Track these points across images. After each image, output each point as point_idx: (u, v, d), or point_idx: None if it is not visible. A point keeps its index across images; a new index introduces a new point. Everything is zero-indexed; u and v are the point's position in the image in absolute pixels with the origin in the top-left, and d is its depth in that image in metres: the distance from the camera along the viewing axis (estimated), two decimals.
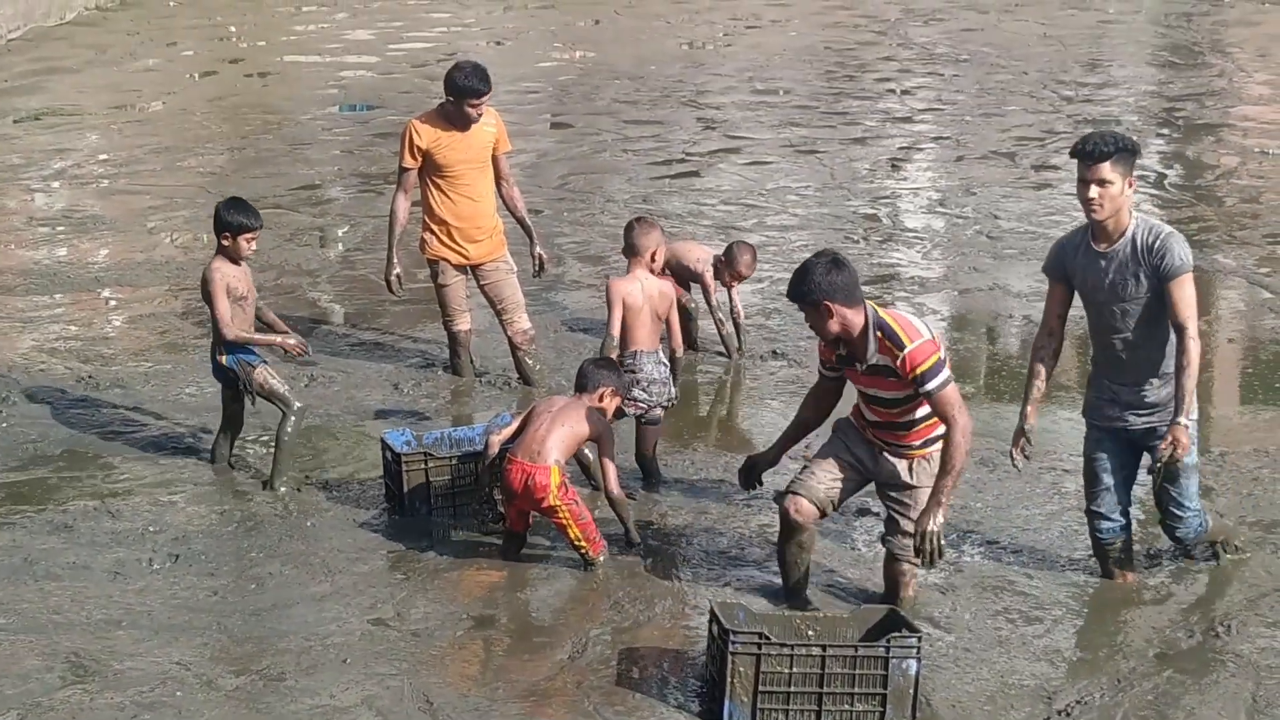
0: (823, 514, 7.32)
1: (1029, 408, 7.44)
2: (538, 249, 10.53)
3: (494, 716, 6.53)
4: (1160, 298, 7.10)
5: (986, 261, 13.38)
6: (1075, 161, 7.19)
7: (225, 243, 8.70)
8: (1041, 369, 7.48)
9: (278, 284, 12.71)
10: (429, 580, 7.76)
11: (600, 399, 7.95)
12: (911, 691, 6.45)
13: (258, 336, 8.82)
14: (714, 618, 6.57)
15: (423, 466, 8.38)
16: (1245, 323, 11.96)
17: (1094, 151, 7.04)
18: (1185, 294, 7.07)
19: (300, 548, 8.08)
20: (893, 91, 21.66)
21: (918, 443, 7.26)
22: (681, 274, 10.46)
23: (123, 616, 7.34)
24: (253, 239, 8.78)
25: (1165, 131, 19.23)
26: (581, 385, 8.00)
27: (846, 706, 6.44)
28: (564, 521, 7.72)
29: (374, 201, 14.97)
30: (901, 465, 7.30)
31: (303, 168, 17.05)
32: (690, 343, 10.47)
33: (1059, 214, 14.87)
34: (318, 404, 10.00)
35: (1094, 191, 7.07)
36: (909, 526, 7.19)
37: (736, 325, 10.84)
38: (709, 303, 10.59)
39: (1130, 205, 7.19)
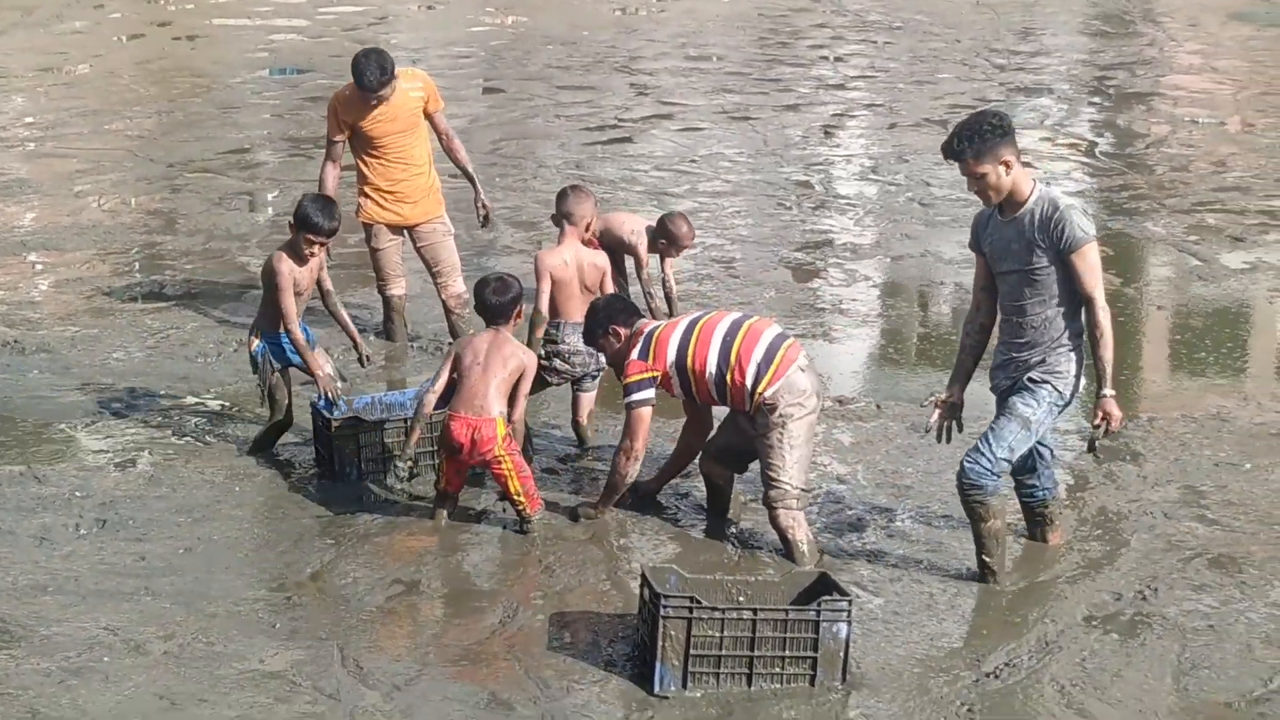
0: (732, 469, 8.03)
1: (956, 384, 7.48)
2: (482, 198, 10.53)
3: (424, 681, 6.51)
4: (1059, 270, 7.04)
5: (919, 229, 13.42)
6: None
7: (293, 235, 8.51)
8: (968, 342, 7.50)
9: (206, 248, 12.62)
10: (359, 545, 7.72)
11: (514, 321, 7.94)
12: (842, 654, 6.48)
13: (308, 354, 8.52)
14: (645, 582, 6.57)
15: (353, 431, 8.33)
16: (1174, 290, 12.04)
17: (956, 152, 7.03)
18: (1088, 264, 7.02)
19: (229, 513, 8.02)
20: (826, 59, 21.70)
21: (743, 406, 7.68)
22: (613, 245, 10.28)
23: (49, 582, 7.26)
24: (315, 246, 8.47)
25: (1097, 100, 19.34)
26: (492, 319, 7.91)
27: (777, 669, 6.46)
28: (506, 473, 7.72)
29: (304, 166, 14.86)
30: (752, 423, 7.74)
31: (232, 131, 16.91)
32: None
33: None
34: (246, 369, 9.88)
35: (973, 186, 7.10)
36: (769, 475, 7.56)
37: (669, 296, 10.74)
38: (639, 275, 10.41)
39: (1023, 177, 7.09)
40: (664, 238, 10.30)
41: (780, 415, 7.51)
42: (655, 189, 14.44)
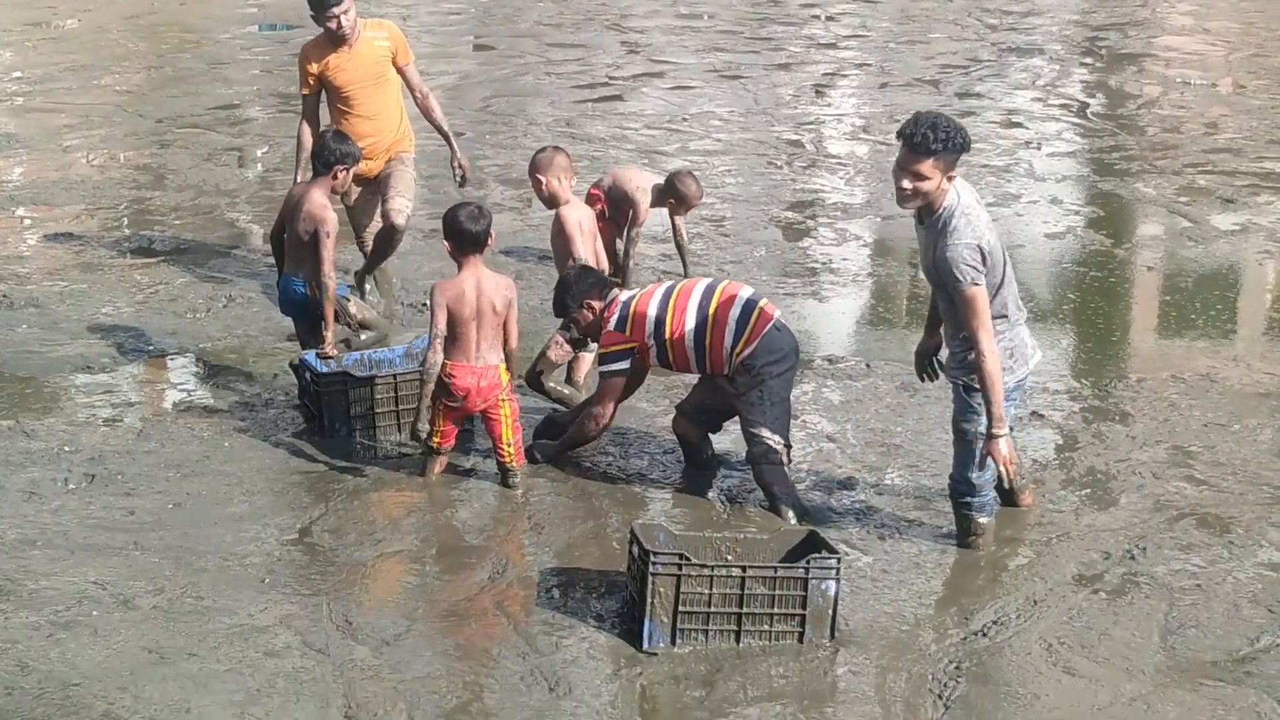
0: (705, 429, 8.09)
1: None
2: (459, 159, 10.46)
3: (413, 636, 6.51)
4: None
5: None
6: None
7: (329, 175, 8.69)
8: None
9: (195, 204, 12.58)
10: (348, 501, 7.72)
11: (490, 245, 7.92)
12: (830, 612, 6.49)
13: (329, 316, 8.61)
14: (634, 539, 6.57)
15: (341, 387, 8.32)
16: (1164, 250, 12.04)
17: (920, 144, 6.70)
18: (968, 305, 6.73)
19: (218, 468, 8.01)
20: (817, 18, 21.65)
21: (723, 370, 7.73)
22: (620, 200, 10.27)
23: (37, 536, 7.26)
24: (345, 172, 8.81)
25: (1088, 60, 19.30)
26: (468, 247, 7.78)
27: (766, 627, 6.48)
28: (503, 421, 7.77)
29: (293, 122, 14.67)
30: (731, 384, 7.76)
31: (221, 87, 16.85)
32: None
33: (982, 141, 14.88)
34: (236, 324, 9.94)
35: (907, 183, 6.79)
36: (752, 432, 7.62)
37: (681, 252, 10.77)
38: (629, 231, 10.35)
39: (946, 189, 6.84)
40: (673, 196, 10.35)
41: (759, 374, 7.57)
42: (646, 147, 14.41)
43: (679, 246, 10.75)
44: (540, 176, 8.90)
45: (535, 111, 16.06)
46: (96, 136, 14.60)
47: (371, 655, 6.36)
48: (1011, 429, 6.95)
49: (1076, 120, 16.03)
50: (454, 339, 7.72)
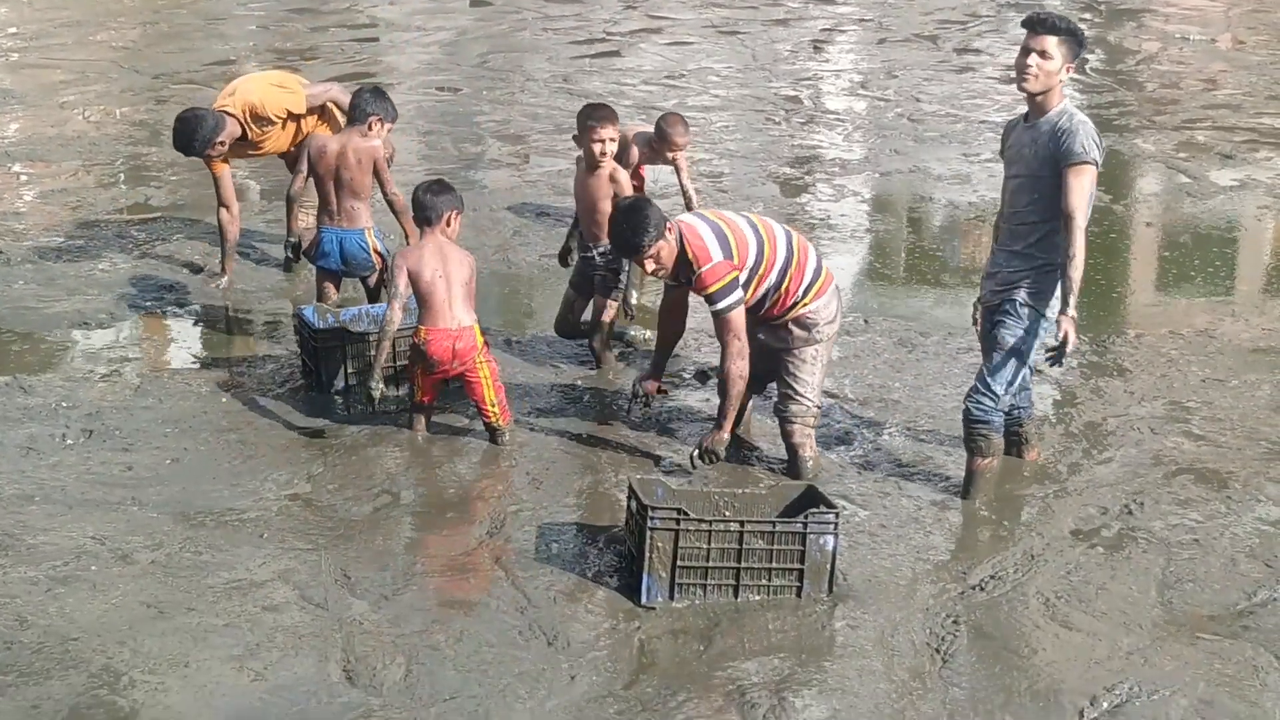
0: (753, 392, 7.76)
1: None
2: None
3: (411, 591, 6.52)
4: (1057, 182, 7.00)
5: (908, 144, 13.37)
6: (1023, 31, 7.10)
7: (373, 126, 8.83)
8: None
9: (191, 160, 12.48)
10: (345, 456, 7.71)
11: (448, 223, 7.84)
12: (829, 566, 6.49)
13: (409, 227, 8.68)
14: (633, 494, 6.57)
15: (339, 343, 8.31)
16: (1163, 206, 12.02)
17: (1045, 22, 7.00)
18: (1079, 183, 6.92)
19: (216, 424, 8.01)
20: None
21: (779, 316, 7.46)
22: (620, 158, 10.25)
23: (35, 491, 7.25)
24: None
25: (1088, 16, 19.23)
26: (428, 219, 7.80)
27: (764, 581, 6.48)
28: (483, 383, 7.73)
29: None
30: (779, 337, 7.54)
31: (217, 43, 16.78)
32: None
33: (981, 97, 14.88)
34: (233, 280, 9.91)
35: (1032, 60, 6.99)
36: (784, 389, 7.50)
37: (687, 200, 10.67)
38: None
39: (1060, 89, 7.09)
40: (658, 136, 10.29)
41: (817, 333, 7.46)
42: (643, 103, 14.36)
43: (685, 197, 10.63)
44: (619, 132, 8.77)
45: (532, 67, 16.01)
46: (92, 92, 14.55)
47: (370, 609, 6.36)
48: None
49: (1075, 76, 15.93)
50: (425, 303, 7.71)
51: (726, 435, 7.43)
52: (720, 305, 7.21)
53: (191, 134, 9.52)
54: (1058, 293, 7.05)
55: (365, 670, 5.95)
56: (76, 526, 6.94)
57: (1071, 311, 6.90)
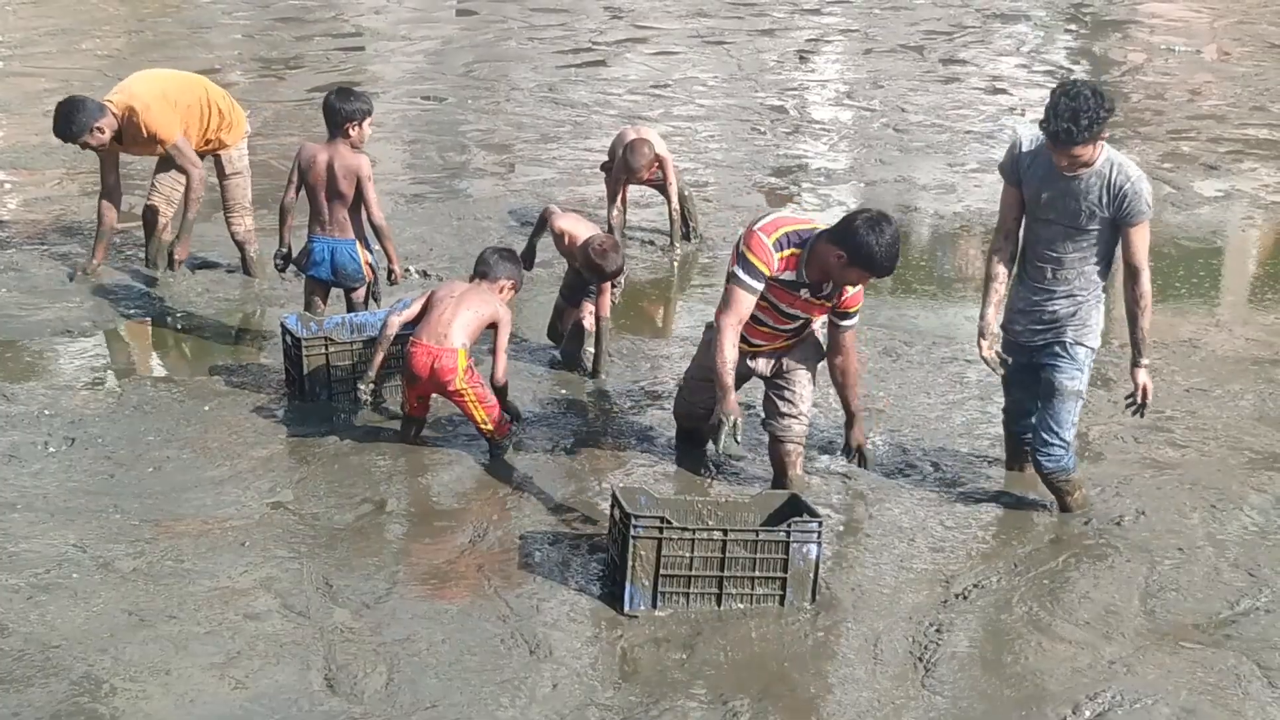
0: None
1: (990, 310, 7.20)
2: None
3: (394, 599, 6.50)
4: (1109, 233, 6.97)
5: (893, 154, 13.38)
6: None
7: (342, 134, 8.58)
8: (1001, 270, 7.22)
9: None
10: (329, 464, 7.70)
11: (500, 290, 7.88)
12: (812, 575, 6.49)
13: (392, 251, 8.72)
14: (616, 502, 6.56)
15: (323, 351, 8.29)
16: None
17: (1065, 138, 6.72)
18: (1143, 237, 6.95)
19: (198, 432, 7.99)
20: None
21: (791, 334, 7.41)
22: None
23: (17, 499, 7.23)
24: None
25: (1073, 27, 19.27)
26: (483, 273, 7.91)
27: (747, 590, 6.47)
28: (470, 404, 7.68)
29: (274, 87, 14.77)
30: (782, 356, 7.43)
31: (202, 51, 16.76)
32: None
33: (966, 108, 14.90)
34: (216, 288, 9.91)
35: (1065, 162, 6.83)
36: (787, 409, 7.36)
37: (677, 219, 10.68)
38: (609, 208, 10.54)
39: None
40: (623, 168, 10.35)
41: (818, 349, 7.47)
42: (629, 113, 14.36)
43: (670, 216, 10.71)
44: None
45: (518, 77, 16.01)
46: None
47: (352, 618, 6.34)
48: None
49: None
50: (424, 315, 7.74)
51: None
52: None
53: (69, 120, 9.28)
54: (1101, 321, 7.17)
55: (346, 678, 5.94)
56: (58, 534, 6.91)
57: (1145, 361, 7.09)
